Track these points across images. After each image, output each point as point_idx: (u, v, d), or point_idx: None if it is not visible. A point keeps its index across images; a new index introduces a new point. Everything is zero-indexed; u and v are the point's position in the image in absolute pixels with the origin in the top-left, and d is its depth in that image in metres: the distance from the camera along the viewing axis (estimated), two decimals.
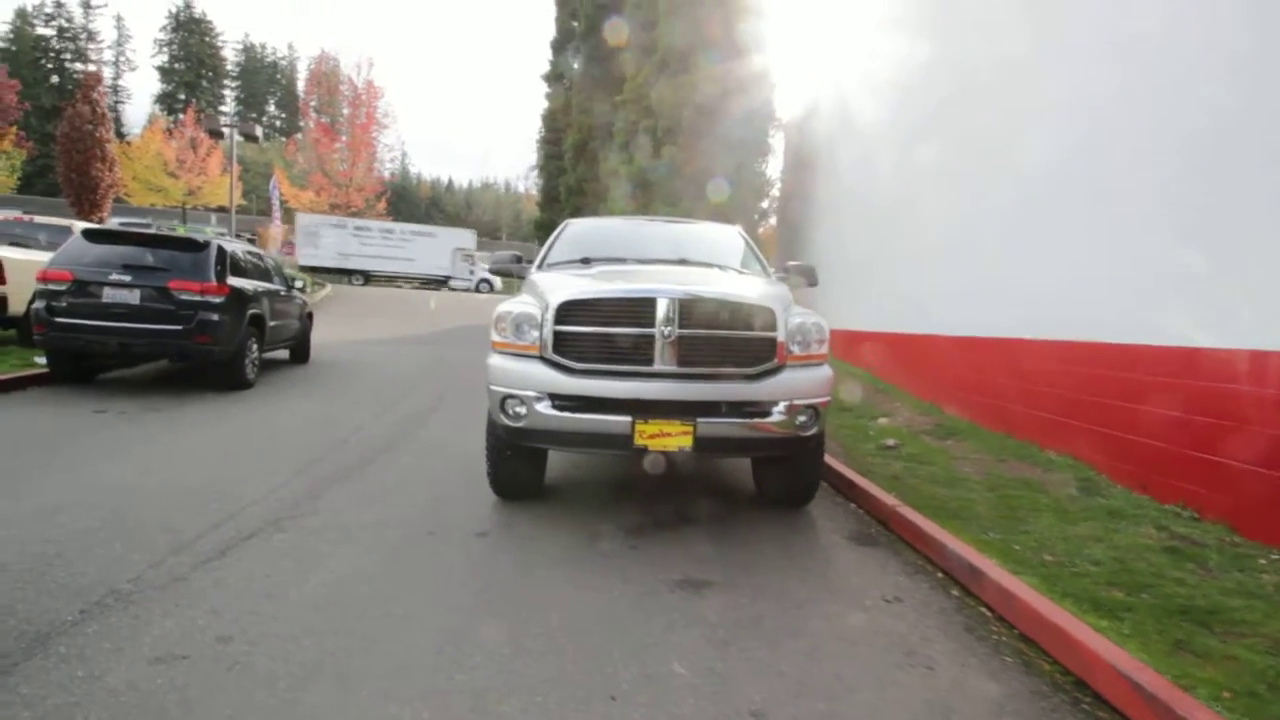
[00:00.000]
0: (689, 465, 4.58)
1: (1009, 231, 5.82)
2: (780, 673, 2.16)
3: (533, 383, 3.16)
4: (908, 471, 4.67)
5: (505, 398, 3.21)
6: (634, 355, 3.15)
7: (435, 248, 32.96)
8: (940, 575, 3.06)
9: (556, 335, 3.18)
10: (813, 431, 3.32)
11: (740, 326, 3.20)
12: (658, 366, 3.12)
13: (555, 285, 3.45)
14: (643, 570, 2.94)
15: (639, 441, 3.06)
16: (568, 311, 3.18)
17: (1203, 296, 3.75)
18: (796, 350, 3.31)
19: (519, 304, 3.42)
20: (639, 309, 3.15)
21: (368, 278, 31.84)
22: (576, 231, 4.90)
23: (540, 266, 4.46)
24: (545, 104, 22.49)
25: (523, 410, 3.19)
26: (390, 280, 32.29)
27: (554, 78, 21.77)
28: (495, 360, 3.37)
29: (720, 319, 3.17)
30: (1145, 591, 2.75)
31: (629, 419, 3.06)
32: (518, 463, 3.62)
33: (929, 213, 7.40)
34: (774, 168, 16.13)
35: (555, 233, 4.94)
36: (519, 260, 4.76)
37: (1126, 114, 4.46)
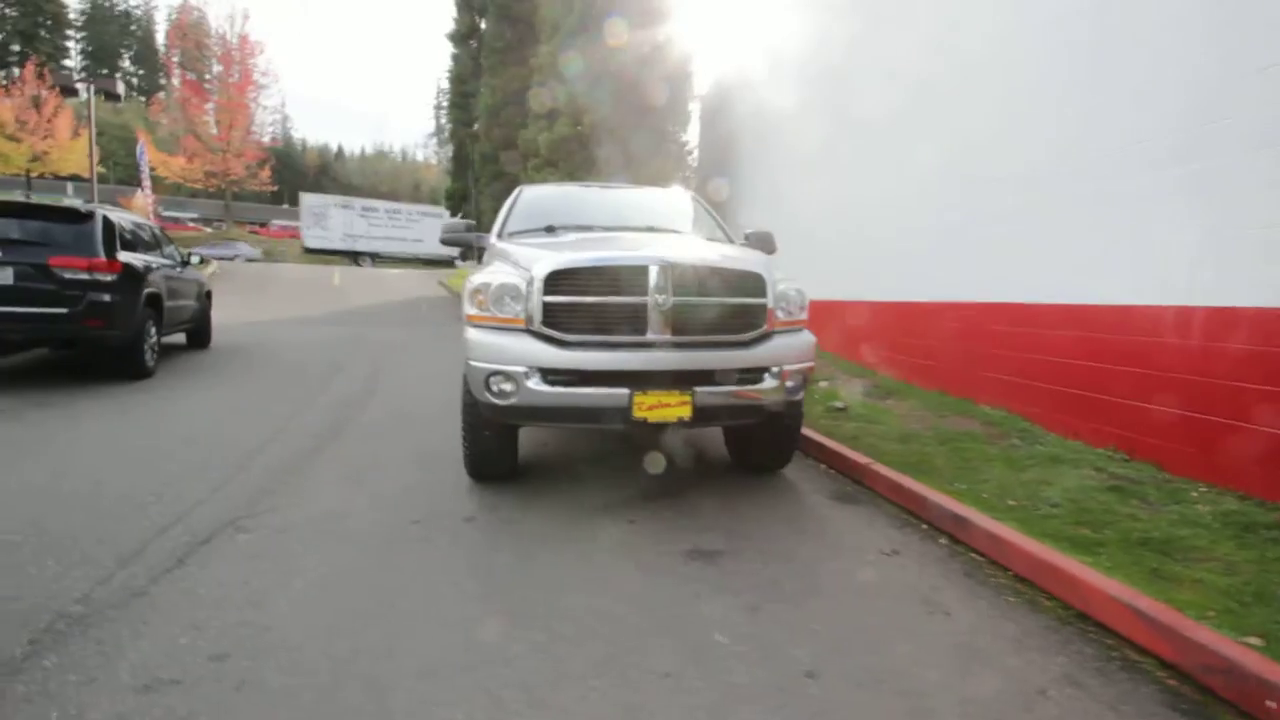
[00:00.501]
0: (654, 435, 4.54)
1: (931, 205, 6.11)
2: (815, 632, 2.19)
3: (521, 357, 2.99)
4: (862, 431, 4.86)
5: (490, 375, 3.02)
6: (627, 325, 3.05)
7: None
8: (925, 526, 3.22)
9: (545, 306, 3.01)
10: (800, 396, 3.37)
11: (733, 293, 3.16)
12: (651, 336, 3.04)
13: (534, 254, 3.26)
14: (649, 544, 2.89)
15: (638, 414, 2.98)
16: (556, 281, 3.01)
17: (1131, 260, 4.09)
18: (782, 316, 3.33)
19: (496, 274, 3.21)
20: (631, 277, 3.04)
21: (375, 258, 30.76)
22: (533, 198, 4.67)
23: (500, 235, 4.22)
24: (451, 65, 21.20)
25: (510, 387, 3.01)
26: (405, 261, 31.57)
27: (460, 38, 20.53)
28: (475, 335, 3.16)
29: (713, 286, 3.12)
30: (1107, 528, 3.01)
31: (627, 391, 2.96)
32: (496, 443, 3.44)
33: (849, 185, 7.66)
34: (693, 136, 16.14)
35: (510, 199, 4.68)
36: (472, 229, 4.48)
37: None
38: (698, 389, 3.03)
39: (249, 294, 16.36)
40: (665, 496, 3.53)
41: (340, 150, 79.35)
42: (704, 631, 2.18)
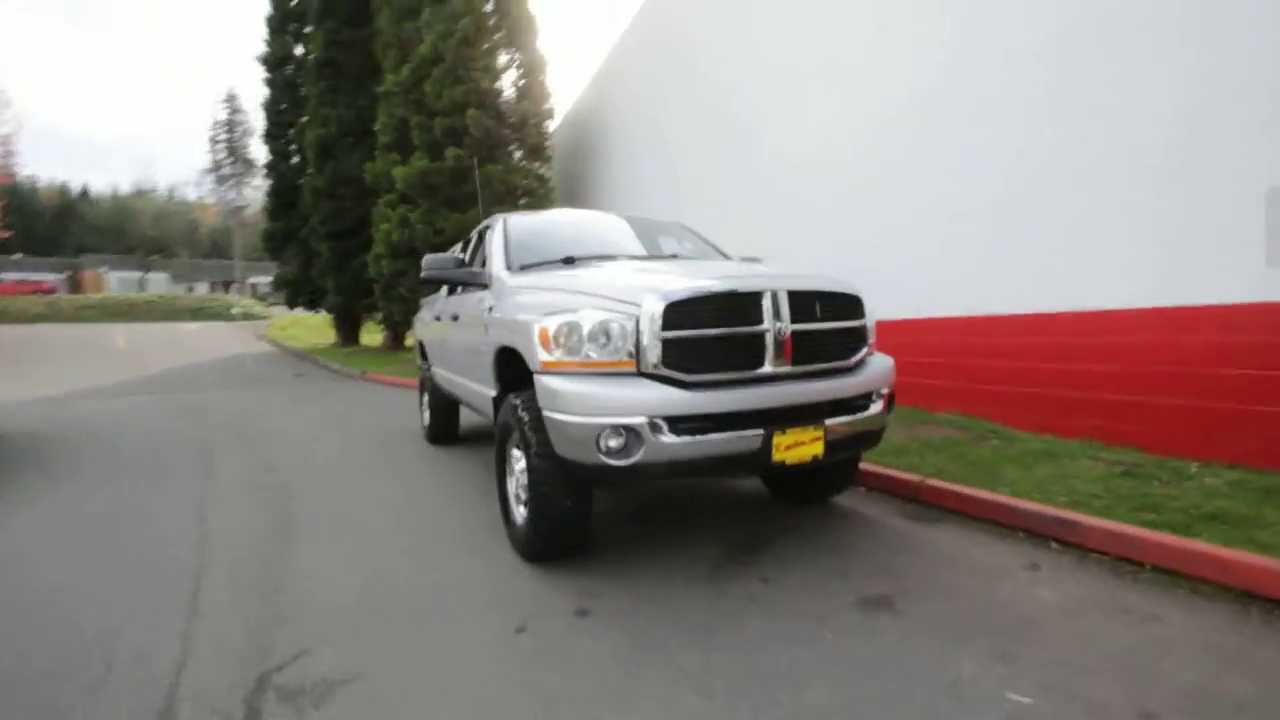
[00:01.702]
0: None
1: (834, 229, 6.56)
2: (1094, 668, 2.03)
3: (643, 406, 2.51)
4: None
5: (604, 430, 2.50)
6: (746, 358, 2.72)
7: None
8: (1022, 534, 3.25)
9: (665, 343, 2.57)
10: (890, 420, 3.26)
11: (840, 316, 2.98)
12: (770, 368, 2.74)
13: (622, 284, 2.81)
14: (811, 603, 2.55)
15: (777, 456, 2.65)
16: (676, 313, 2.60)
17: (1090, 272, 4.63)
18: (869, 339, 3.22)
19: (577, 312, 2.69)
20: (748, 304, 2.73)
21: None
22: (525, 227, 4.11)
23: (511, 269, 3.63)
24: (267, 93, 18.72)
25: (627, 443, 2.51)
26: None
27: (274, 62, 18.26)
28: (565, 385, 2.61)
29: (823, 310, 2.91)
30: (1164, 510, 3.25)
31: (763, 432, 2.62)
32: (576, 511, 2.87)
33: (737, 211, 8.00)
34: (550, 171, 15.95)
35: (496, 231, 4.07)
36: (462, 265, 3.82)
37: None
38: (827, 421, 2.79)
39: (9, 363, 12.72)
40: (759, 545, 3.19)
41: (85, 190, 66.53)
42: (991, 694, 1.91)
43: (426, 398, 6.21)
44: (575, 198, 15.42)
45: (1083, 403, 4.60)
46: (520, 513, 3.11)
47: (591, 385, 2.57)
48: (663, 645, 2.27)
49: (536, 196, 14.77)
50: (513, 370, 3.31)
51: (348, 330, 19.58)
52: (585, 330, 2.62)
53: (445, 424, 6.00)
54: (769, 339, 2.73)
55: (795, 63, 7.42)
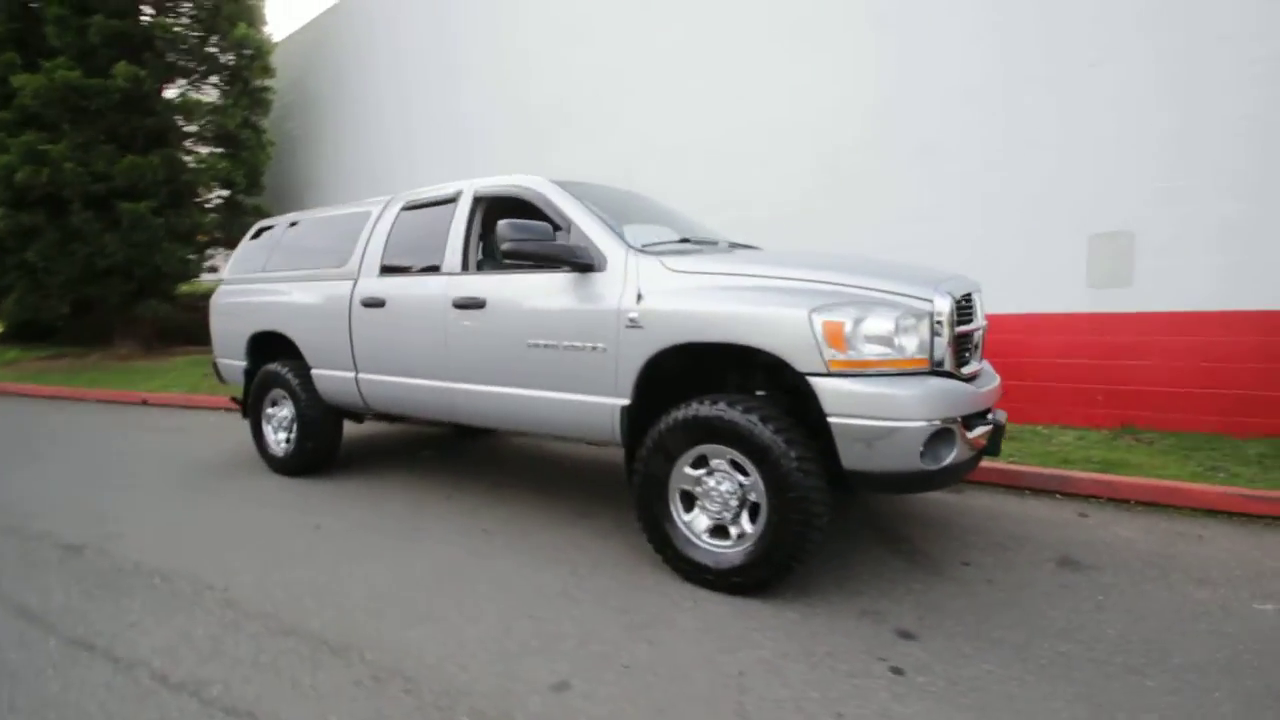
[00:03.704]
0: None
1: None
2: None
3: (959, 404, 2.46)
4: None
5: (933, 435, 2.35)
6: (965, 356, 2.82)
7: None
8: (1027, 491, 4.02)
9: (958, 339, 2.53)
10: None
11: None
12: (977, 365, 2.91)
13: (857, 275, 2.60)
14: (1029, 575, 2.81)
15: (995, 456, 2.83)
16: (958, 310, 2.56)
17: None
18: None
19: (868, 306, 2.42)
20: (969, 304, 2.84)
21: None
22: (597, 197, 3.37)
23: (634, 250, 2.96)
24: None
25: (941, 446, 2.41)
26: None
27: None
28: (875, 387, 2.36)
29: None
30: (1073, 461, 4.45)
31: (991, 428, 2.77)
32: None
33: None
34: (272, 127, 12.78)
35: (559, 197, 3.22)
36: (548, 237, 2.98)
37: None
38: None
39: None
40: (883, 528, 3.32)
41: None
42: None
43: (285, 413, 4.51)
44: (294, 159, 12.71)
45: None
46: (710, 543, 2.67)
47: (908, 386, 2.36)
48: (1040, 658, 2.24)
49: (248, 149, 11.74)
50: (657, 376, 2.82)
51: None
52: (888, 326, 2.37)
53: (323, 446, 4.48)
54: (978, 337, 2.89)
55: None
